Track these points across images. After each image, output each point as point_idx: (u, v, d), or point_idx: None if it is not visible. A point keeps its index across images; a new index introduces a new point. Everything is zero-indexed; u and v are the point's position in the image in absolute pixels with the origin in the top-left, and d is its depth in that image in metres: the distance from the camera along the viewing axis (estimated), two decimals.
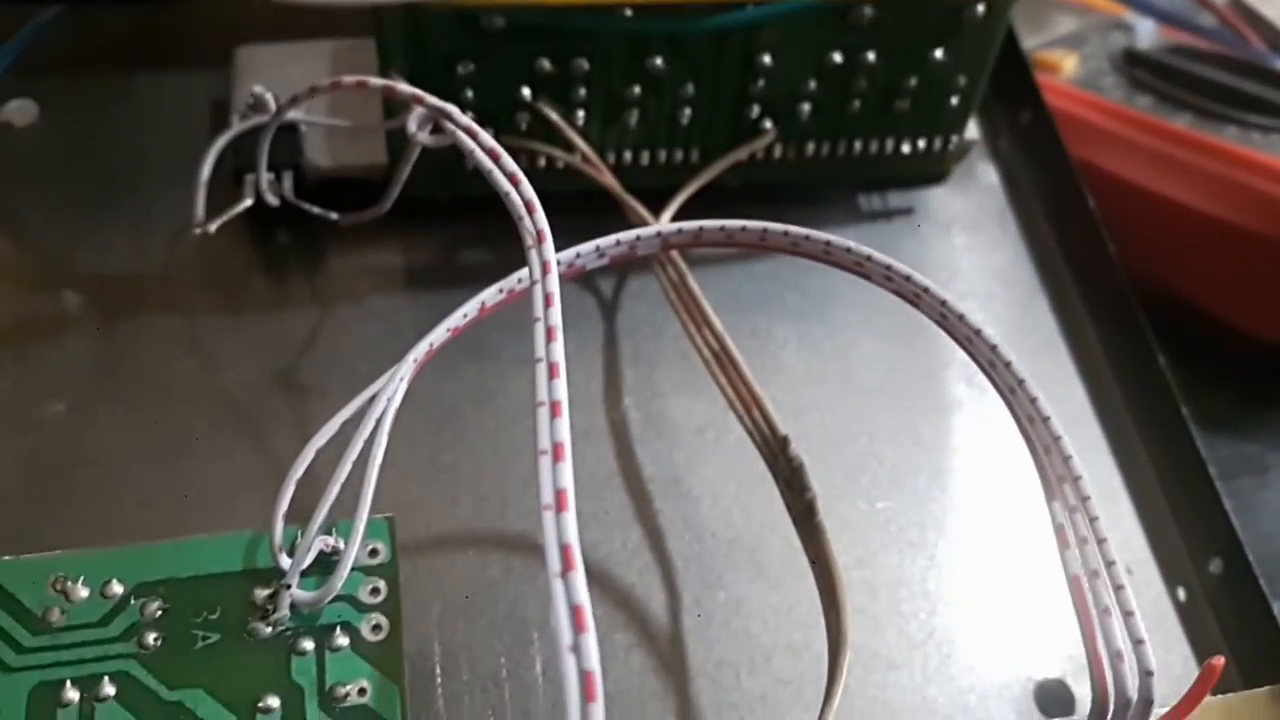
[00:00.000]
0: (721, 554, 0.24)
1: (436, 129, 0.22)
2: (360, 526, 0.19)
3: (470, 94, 0.25)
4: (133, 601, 0.18)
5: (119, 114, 0.28)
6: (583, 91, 0.25)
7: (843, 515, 0.24)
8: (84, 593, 0.18)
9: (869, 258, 0.20)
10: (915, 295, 0.20)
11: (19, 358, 0.24)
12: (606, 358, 0.26)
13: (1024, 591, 0.23)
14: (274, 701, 0.18)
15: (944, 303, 0.19)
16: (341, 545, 0.19)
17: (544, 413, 0.15)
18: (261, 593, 0.19)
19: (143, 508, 0.23)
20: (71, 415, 0.24)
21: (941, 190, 0.30)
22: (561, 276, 0.18)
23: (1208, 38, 0.33)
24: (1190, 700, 0.17)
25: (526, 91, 0.25)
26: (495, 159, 0.19)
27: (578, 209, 0.23)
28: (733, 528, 0.24)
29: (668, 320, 0.25)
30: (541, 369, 0.16)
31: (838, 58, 0.26)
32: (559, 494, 0.14)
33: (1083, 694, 0.22)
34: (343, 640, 0.18)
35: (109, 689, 0.18)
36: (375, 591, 0.19)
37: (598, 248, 0.20)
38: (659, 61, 0.25)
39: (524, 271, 0.19)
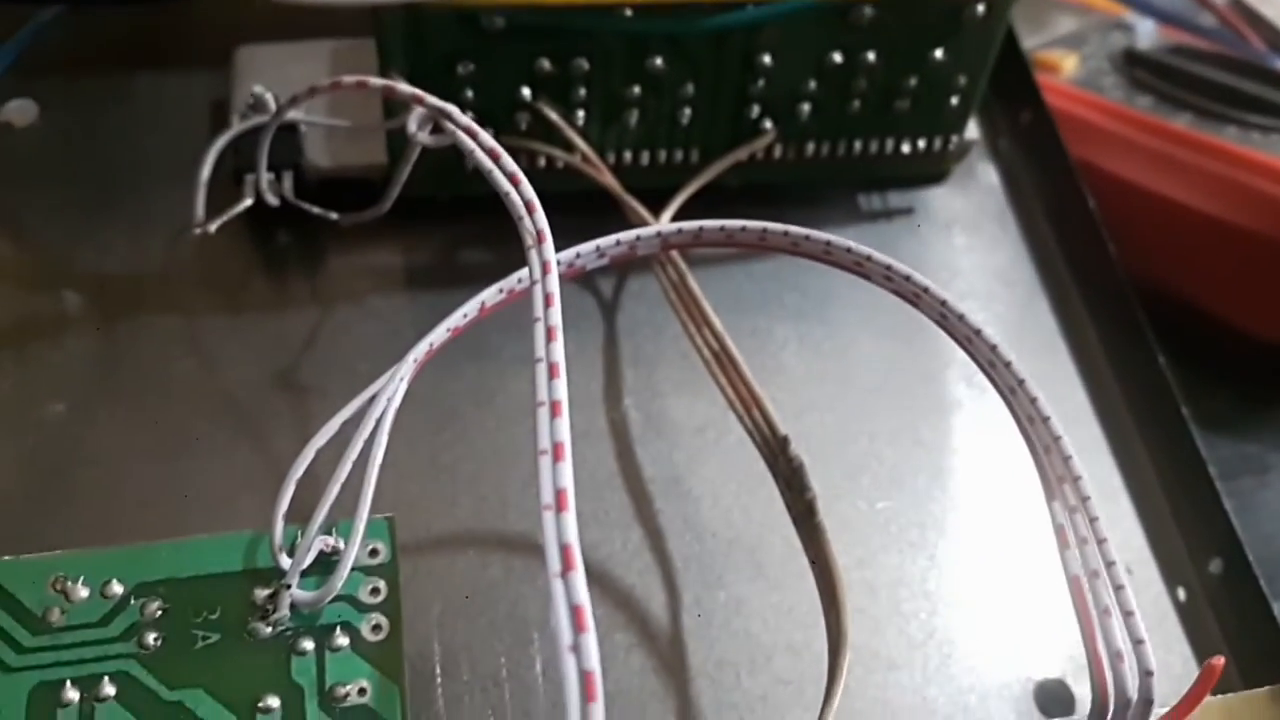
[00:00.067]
0: (722, 554, 0.24)
1: (436, 129, 0.22)
2: (360, 526, 0.19)
3: (470, 94, 0.25)
4: (133, 601, 0.18)
5: (119, 114, 0.28)
6: (583, 91, 0.25)
7: (843, 515, 0.24)
8: (84, 593, 0.18)
9: (869, 258, 0.20)
10: (915, 295, 0.20)
11: (19, 358, 0.24)
12: (607, 358, 0.26)
13: (1024, 591, 0.24)
14: (274, 701, 0.18)
15: (944, 303, 0.19)
16: (341, 545, 0.19)
17: (544, 413, 0.15)
18: (261, 593, 0.19)
19: (143, 508, 0.23)
20: (71, 415, 0.24)
21: (941, 190, 0.30)
22: (561, 276, 0.18)
23: (1208, 38, 0.33)
24: (1190, 700, 0.17)
25: (526, 91, 0.25)
26: (495, 159, 0.19)
27: (578, 209, 0.23)
28: (733, 528, 0.24)
29: (668, 320, 0.25)
30: (541, 369, 0.16)
31: (838, 58, 0.26)
32: (559, 494, 0.14)
33: (1083, 694, 0.22)
34: (343, 640, 0.18)
35: (109, 689, 0.18)
36: (375, 591, 0.19)
37: (598, 248, 0.20)
38: (659, 61, 0.25)
39: (524, 271, 0.19)
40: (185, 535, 0.19)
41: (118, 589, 0.18)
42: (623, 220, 0.26)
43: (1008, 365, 0.19)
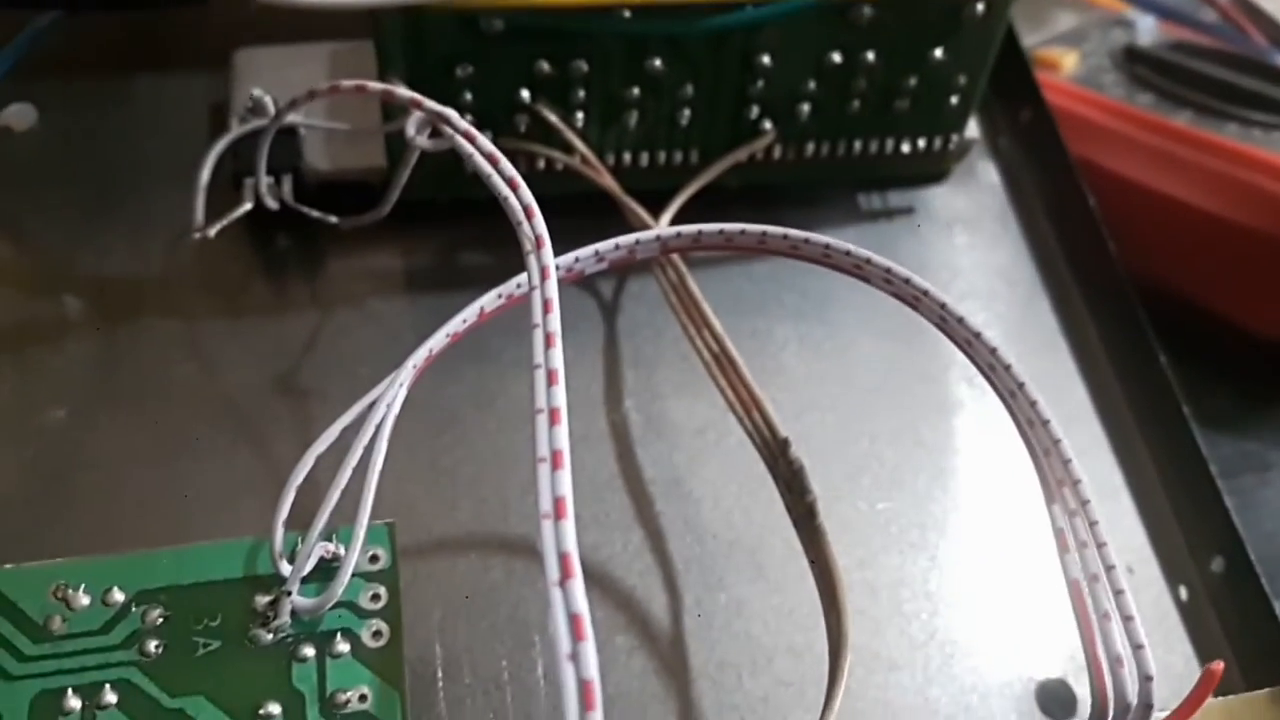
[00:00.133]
0: (723, 556, 0.24)
1: (435, 133, 0.22)
2: (360, 533, 0.19)
3: (469, 96, 0.25)
4: (134, 609, 0.18)
5: (118, 118, 0.28)
6: (582, 93, 0.25)
7: (844, 516, 0.24)
8: (85, 600, 0.18)
9: (869, 260, 0.20)
10: (915, 298, 0.20)
11: (19, 363, 0.24)
12: (607, 360, 0.26)
13: (1025, 592, 0.23)
14: (275, 708, 0.18)
15: (944, 305, 0.19)
16: (342, 551, 0.19)
17: (542, 420, 0.15)
18: (262, 599, 0.19)
19: (144, 513, 0.23)
20: (72, 421, 0.24)
21: (942, 189, 0.30)
22: (560, 281, 0.18)
23: (1209, 33, 0.33)
24: (1190, 705, 0.17)
25: (525, 93, 0.25)
26: (494, 163, 0.19)
27: (577, 211, 0.23)
28: (734, 529, 0.24)
29: (668, 322, 0.25)
30: (540, 375, 0.16)
31: (837, 58, 0.26)
32: (558, 501, 0.14)
33: (1084, 694, 0.22)
34: (343, 647, 0.18)
35: (110, 697, 0.18)
36: (376, 598, 0.19)
37: (596, 252, 0.20)
38: (658, 63, 0.25)
39: (523, 276, 0.19)
40: (186, 541, 0.19)
41: (119, 597, 0.18)
42: (622, 222, 0.26)
43: (1008, 368, 0.19)
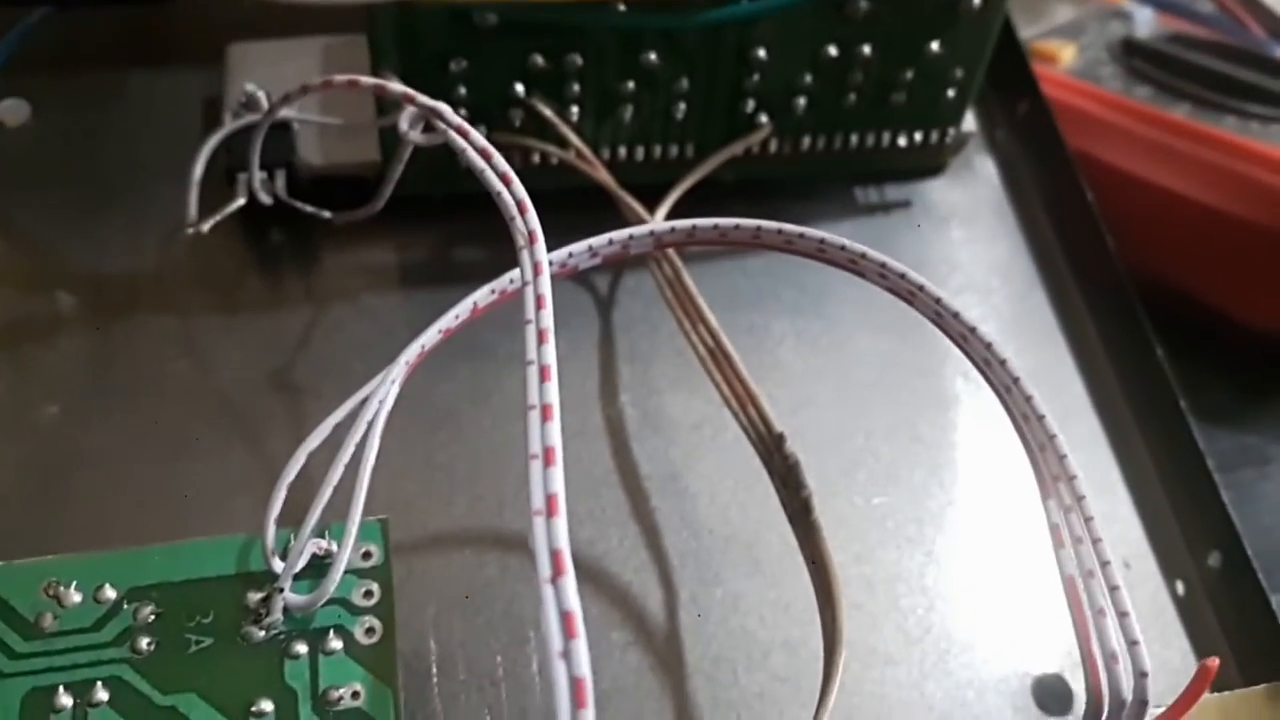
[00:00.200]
0: (718, 551, 0.23)
1: (428, 127, 0.22)
2: (352, 529, 0.18)
3: (463, 90, 0.25)
4: (126, 606, 0.18)
5: (111, 113, 0.28)
6: (576, 87, 0.25)
7: (840, 511, 0.24)
8: (77, 598, 0.18)
9: (863, 255, 0.20)
10: (910, 293, 0.20)
11: (12, 360, 0.24)
12: (602, 355, 0.26)
13: (1022, 587, 0.23)
14: (267, 705, 0.18)
15: (939, 300, 0.19)
16: (334, 548, 0.19)
17: (535, 416, 0.15)
18: (254, 596, 0.19)
19: (138, 509, 0.23)
20: (66, 417, 0.24)
21: (939, 183, 0.30)
22: (554, 276, 0.18)
23: (1207, 25, 0.33)
24: (1185, 701, 0.17)
25: (520, 88, 0.25)
26: (487, 158, 0.19)
27: (572, 205, 0.23)
28: (730, 524, 0.24)
29: (663, 317, 0.25)
30: (533, 372, 0.16)
31: (833, 51, 0.26)
32: (550, 499, 0.14)
33: (1080, 689, 0.22)
34: (336, 643, 0.18)
35: (102, 694, 0.18)
36: (368, 594, 0.19)
37: (590, 247, 0.20)
38: (653, 56, 0.25)
39: (516, 272, 0.19)
40: (181, 537, 0.19)
41: (110, 594, 0.18)
42: (617, 216, 0.26)
43: (1003, 363, 0.19)
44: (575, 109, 0.26)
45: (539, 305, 0.17)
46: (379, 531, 0.19)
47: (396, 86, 0.20)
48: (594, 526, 0.23)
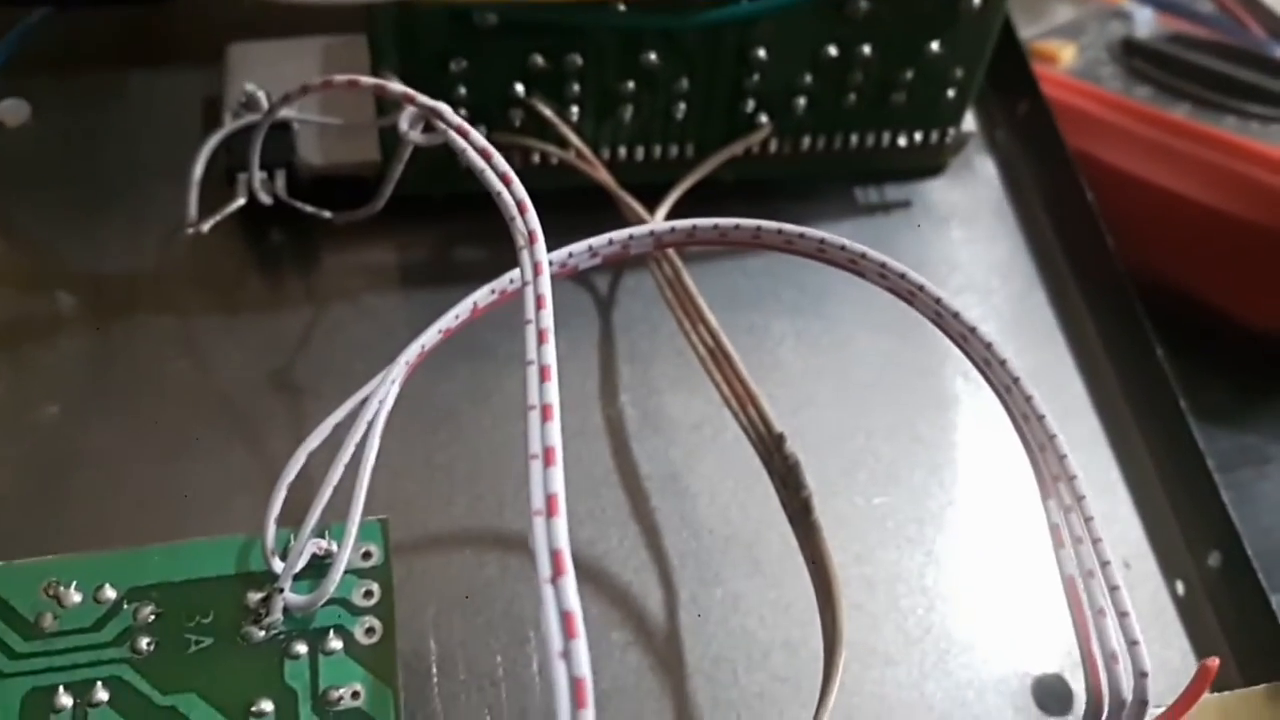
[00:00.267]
0: (719, 551, 0.23)
1: (428, 127, 0.22)
2: (352, 529, 0.18)
3: (463, 90, 0.25)
4: (126, 606, 0.18)
5: (111, 113, 0.28)
6: (576, 87, 0.25)
7: (840, 511, 0.24)
8: (77, 598, 0.18)
9: (863, 255, 0.20)
10: (910, 293, 0.20)
11: (12, 360, 0.24)
12: (602, 355, 0.26)
13: (1022, 587, 0.23)
14: (267, 705, 0.18)
15: (939, 300, 0.19)
16: (334, 548, 0.19)
17: (535, 416, 0.15)
18: (254, 596, 0.19)
19: (139, 510, 0.23)
20: (66, 417, 0.24)
21: (939, 183, 0.30)
22: (554, 277, 0.18)
23: (1207, 25, 0.33)
24: (1185, 701, 0.17)
25: (520, 88, 0.25)
26: (487, 158, 0.19)
27: (572, 205, 0.23)
28: (730, 524, 0.24)
29: (664, 316, 0.25)
30: (533, 372, 0.16)
31: (833, 51, 0.26)
32: (550, 499, 0.14)
33: (1080, 689, 0.22)
34: (336, 644, 0.18)
35: (102, 694, 0.18)
36: (369, 594, 0.19)
37: (590, 247, 0.20)
38: (653, 56, 0.25)
39: (516, 272, 0.19)
40: (181, 537, 0.19)
41: (110, 594, 0.18)
42: (618, 216, 0.26)
43: (1003, 363, 0.19)
44: (575, 109, 0.26)
45: (539, 305, 0.17)
46: (379, 531, 0.19)
47: (396, 86, 0.20)
48: (594, 526, 0.23)
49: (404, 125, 0.23)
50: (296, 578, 0.18)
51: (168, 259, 0.26)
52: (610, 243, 0.20)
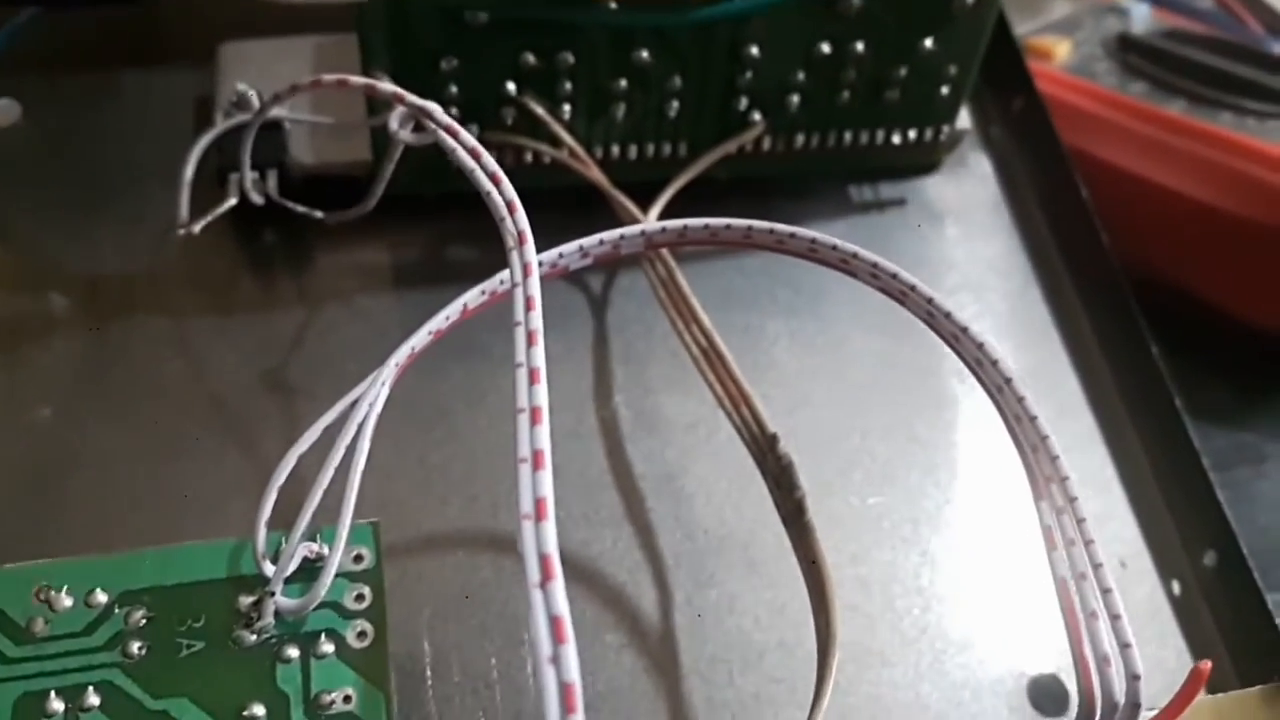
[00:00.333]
0: (713, 551, 0.23)
1: (419, 126, 0.22)
2: (343, 533, 0.18)
3: (454, 89, 0.25)
4: (117, 610, 0.18)
5: (102, 113, 0.28)
6: (568, 85, 0.25)
7: (835, 512, 0.24)
8: (68, 602, 0.18)
9: (855, 255, 0.19)
10: (902, 293, 0.19)
11: (4, 362, 0.24)
12: (596, 355, 0.26)
13: (1018, 587, 0.23)
14: (259, 709, 0.18)
15: (931, 300, 0.19)
16: (325, 551, 0.19)
17: (524, 419, 0.15)
18: (245, 600, 0.18)
19: (133, 512, 0.23)
20: (59, 419, 0.24)
21: (933, 180, 0.30)
22: (545, 276, 0.18)
23: (1203, 20, 0.33)
24: (1178, 704, 0.17)
25: (511, 86, 0.25)
26: (476, 158, 0.19)
27: (565, 204, 0.23)
28: (725, 525, 0.24)
29: (658, 317, 0.25)
30: (522, 374, 0.16)
31: (826, 48, 0.26)
32: (538, 502, 0.14)
33: (1076, 690, 0.22)
34: (328, 647, 0.18)
35: (94, 699, 0.17)
36: (360, 598, 0.19)
37: (581, 247, 0.20)
38: (644, 54, 0.25)
39: (507, 273, 0.19)
40: (174, 539, 0.19)
41: (102, 598, 0.18)
42: (611, 215, 0.26)
43: (995, 363, 0.19)
44: (567, 107, 0.26)
45: (528, 307, 0.17)
46: (370, 534, 0.19)
47: (386, 86, 0.20)
48: (588, 528, 0.23)
49: (394, 125, 0.23)
50: (288, 581, 0.18)
51: (160, 260, 0.26)
52: (601, 243, 0.20)
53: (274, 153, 0.26)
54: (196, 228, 0.24)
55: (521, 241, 0.18)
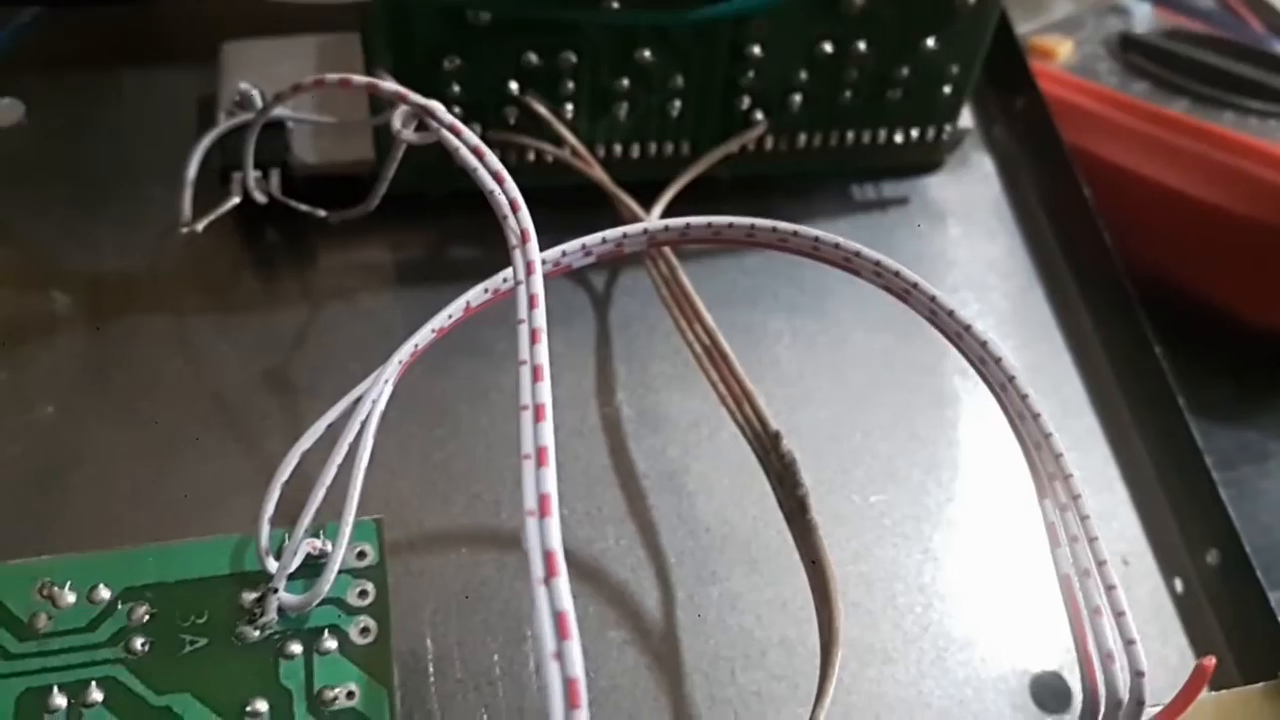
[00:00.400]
0: (716, 549, 0.23)
1: (421, 125, 0.22)
2: (346, 529, 0.18)
3: (457, 88, 0.25)
4: (120, 606, 0.18)
5: (105, 112, 0.28)
6: (571, 85, 0.25)
7: (837, 509, 0.24)
8: (71, 598, 0.18)
9: (857, 253, 0.19)
10: (905, 291, 0.19)
11: (7, 360, 0.24)
12: (599, 353, 0.26)
13: (1020, 584, 0.23)
14: (262, 705, 0.18)
15: (934, 298, 0.19)
16: (329, 548, 0.19)
17: (527, 416, 0.15)
18: (249, 596, 0.18)
19: (135, 510, 0.23)
20: (62, 417, 0.24)
21: (936, 180, 0.30)
22: (548, 275, 0.18)
23: (1205, 20, 0.33)
24: (1181, 701, 0.17)
25: (514, 85, 0.25)
26: (480, 156, 0.19)
27: (568, 203, 0.23)
28: (727, 523, 0.24)
29: (660, 315, 0.25)
30: (525, 372, 0.16)
31: (828, 47, 0.26)
32: (542, 499, 0.14)
33: (1079, 687, 0.22)
34: (331, 643, 0.18)
35: (96, 694, 0.17)
36: (363, 594, 0.19)
37: (584, 246, 0.20)
38: (647, 54, 0.25)
39: (510, 271, 0.19)
40: (176, 536, 0.19)
41: (105, 594, 0.18)
42: (613, 214, 0.26)
43: (998, 361, 0.19)
44: (570, 106, 0.26)
45: (532, 304, 0.17)
46: (374, 531, 0.19)
47: (389, 85, 0.20)
48: (591, 526, 0.23)
49: (397, 124, 0.23)
50: (291, 577, 0.18)
51: (163, 258, 0.26)
52: (604, 241, 0.20)
53: (277, 152, 0.26)
54: (200, 226, 0.24)
55: (525, 240, 0.18)
